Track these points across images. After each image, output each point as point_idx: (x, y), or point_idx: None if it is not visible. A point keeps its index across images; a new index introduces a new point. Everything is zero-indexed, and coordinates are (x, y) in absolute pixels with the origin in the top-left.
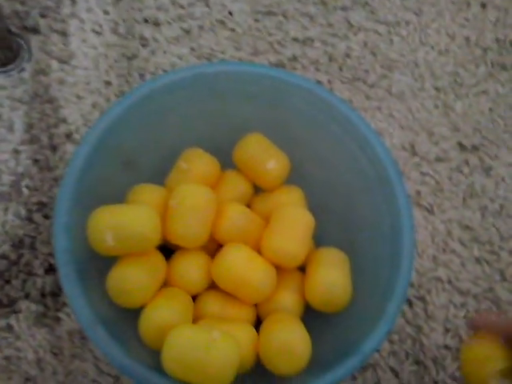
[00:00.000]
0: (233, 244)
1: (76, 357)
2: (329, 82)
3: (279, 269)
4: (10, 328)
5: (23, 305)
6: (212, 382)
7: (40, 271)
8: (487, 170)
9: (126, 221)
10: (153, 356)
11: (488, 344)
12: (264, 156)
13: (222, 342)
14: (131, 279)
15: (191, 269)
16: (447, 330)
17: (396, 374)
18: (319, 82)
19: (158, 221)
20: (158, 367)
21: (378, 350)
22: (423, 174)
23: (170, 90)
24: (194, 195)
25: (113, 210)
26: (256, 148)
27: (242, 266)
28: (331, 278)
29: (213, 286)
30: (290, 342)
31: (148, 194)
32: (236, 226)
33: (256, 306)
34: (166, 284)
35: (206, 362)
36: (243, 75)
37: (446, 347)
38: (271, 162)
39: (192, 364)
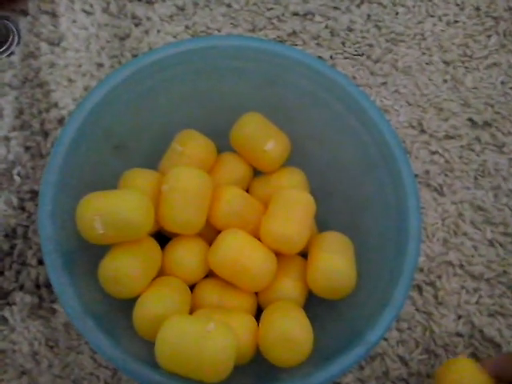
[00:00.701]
0: (230, 230)
1: (72, 349)
2: (331, 57)
3: (280, 255)
4: (4, 320)
5: (17, 297)
6: (207, 374)
7: (33, 261)
8: (500, 147)
9: (116, 207)
10: (149, 348)
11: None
12: (262, 136)
13: (218, 333)
14: (124, 268)
15: (187, 256)
16: (459, 317)
17: (405, 363)
18: (321, 58)
19: (150, 206)
20: (153, 360)
21: (385, 339)
22: (432, 152)
23: (159, 68)
24: (187, 178)
25: (102, 196)
26: (253, 128)
27: (239, 252)
28: (334, 263)
29: (211, 275)
30: (290, 332)
31: (140, 179)
32: (234, 211)
33: (256, 294)
34: (161, 273)
35: (201, 354)
36: (237, 50)
37: (458, 334)
38: (270, 142)
39: (186, 356)
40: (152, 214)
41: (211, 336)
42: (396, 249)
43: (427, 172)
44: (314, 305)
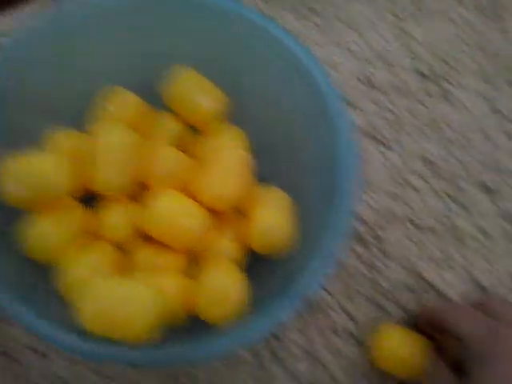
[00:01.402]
0: (163, 190)
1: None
2: (281, 16)
3: (216, 213)
4: None
5: None
6: (130, 334)
7: None
8: (449, 99)
9: (32, 167)
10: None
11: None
12: (196, 92)
13: (141, 292)
14: (44, 232)
15: (116, 218)
16: (405, 268)
17: (351, 318)
18: (267, 15)
19: (69, 166)
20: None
21: (329, 293)
22: (380, 107)
23: (81, 15)
24: (111, 135)
25: (20, 157)
26: (187, 84)
27: (172, 212)
28: (271, 218)
29: (144, 237)
30: (222, 288)
31: (63, 140)
32: (167, 171)
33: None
34: (90, 236)
35: (122, 314)
36: None
37: (404, 286)
38: (205, 98)
39: (109, 316)
40: (71, 175)
41: (135, 295)
42: (332, 202)
43: (375, 127)
44: (252, 261)
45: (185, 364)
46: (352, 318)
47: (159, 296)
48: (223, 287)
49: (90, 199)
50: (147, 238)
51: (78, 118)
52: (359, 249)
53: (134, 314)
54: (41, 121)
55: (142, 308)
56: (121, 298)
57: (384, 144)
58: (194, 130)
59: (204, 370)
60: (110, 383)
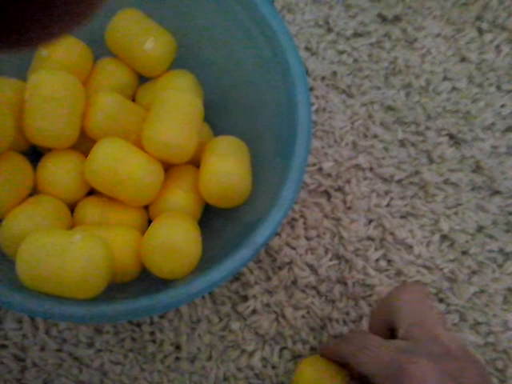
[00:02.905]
0: (106, 138)
1: None
2: None
3: (169, 165)
4: None
5: None
6: (73, 289)
7: None
8: (411, 43)
9: None
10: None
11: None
12: (140, 34)
13: (83, 244)
14: None
15: (61, 172)
16: (369, 221)
17: (314, 271)
18: None
19: (6, 116)
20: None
21: (293, 248)
22: (339, 52)
23: None
24: (50, 82)
25: None
26: (129, 26)
27: (117, 162)
28: (226, 167)
29: (95, 192)
30: (172, 241)
31: (2, 89)
32: (109, 118)
33: (147, 209)
34: (36, 192)
35: (63, 268)
36: None
37: (369, 238)
38: (149, 40)
39: (47, 271)
40: (9, 126)
41: (75, 247)
42: (287, 148)
43: (335, 73)
44: (210, 215)
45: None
46: (315, 272)
47: (106, 249)
48: (172, 240)
49: (36, 153)
50: (98, 193)
51: (23, 68)
52: (323, 201)
53: (77, 268)
54: None
55: (86, 262)
56: (61, 250)
57: (345, 92)
58: (142, 78)
59: (168, 330)
60: None
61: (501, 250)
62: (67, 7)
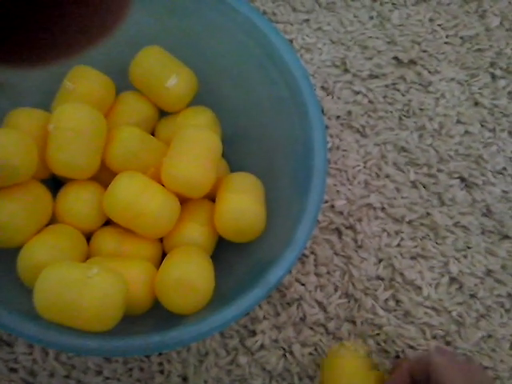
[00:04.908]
0: (126, 172)
1: None
2: None
3: (186, 199)
4: None
5: None
6: (89, 322)
7: None
8: (426, 86)
9: None
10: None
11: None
12: (163, 71)
13: (100, 279)
14: (5, 214)
15: (80, 202)
16: (379, 260)
17: (323, 308)
18: None
19: (32, 147)
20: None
21: (302, 284)
22: (355, 92)
23: None
24: (74, 115)
25: None
26: (153, 63)
27: (136, 196)
28: (242, 204)
29: (112, 223)
30: (186, 276)
31: (24, 119)
32: (130, 152)
33: (162, 241)
34: (54, 221)
35: (80, 301)
36: None
37: (378, 278)
38: (172, 77)
39: (65, 303)
40: (34, 156)
41: (92, 281)
42: (303, 188)
43: (350, 113)
44: (223, 249)
45: (144, 354)
46: (324, 309)
47: (123, 283)
48: (188, 277)
49: (56, 182)
50: (114, 224)
51: (46, 98)
52: (334, 239)
53: (94, 302)
54: (3, 100)
55: (103, 296)
56: (78, 283)
57: (360, 132)
58: (162, 111)
59: (175, 362)
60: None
61: (509, 295)
62: (80, 25)
